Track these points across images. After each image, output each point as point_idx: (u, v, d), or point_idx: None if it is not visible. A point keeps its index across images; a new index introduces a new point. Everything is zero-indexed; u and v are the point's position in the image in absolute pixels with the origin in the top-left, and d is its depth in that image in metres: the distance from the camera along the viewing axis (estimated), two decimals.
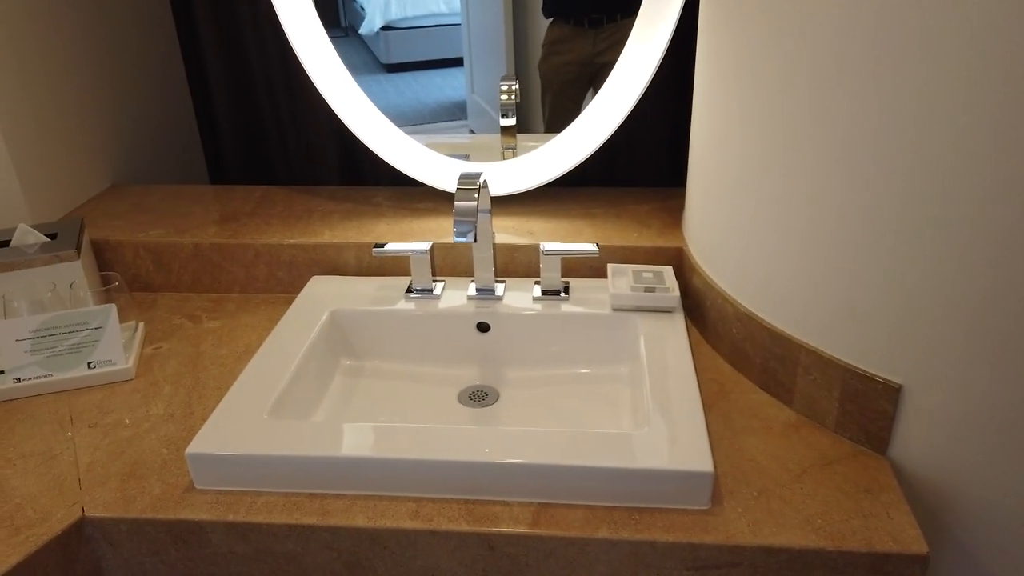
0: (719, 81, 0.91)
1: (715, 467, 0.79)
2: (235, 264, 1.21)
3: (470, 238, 0.92)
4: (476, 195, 0.92)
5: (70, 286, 1.07)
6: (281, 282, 1.21)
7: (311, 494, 0.81)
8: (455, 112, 1.35)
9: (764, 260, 0.89)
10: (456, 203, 0.92)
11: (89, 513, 0.80)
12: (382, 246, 1.08)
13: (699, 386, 0.89)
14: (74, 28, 1.31)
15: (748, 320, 0.93)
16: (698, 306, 1.06)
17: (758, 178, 0.86)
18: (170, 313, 1.18)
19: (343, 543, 0.78)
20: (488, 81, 1.29)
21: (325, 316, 1.05)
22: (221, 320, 1.16)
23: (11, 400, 0.99)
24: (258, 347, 1.06)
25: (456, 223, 0.91)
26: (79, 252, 1.08)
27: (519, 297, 1.08)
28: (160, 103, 1.54)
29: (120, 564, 0.83)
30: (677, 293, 1.03)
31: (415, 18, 1.35)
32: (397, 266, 1.17)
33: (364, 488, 0.81)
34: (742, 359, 0.96)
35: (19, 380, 0.99)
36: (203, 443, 0.82)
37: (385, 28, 1.36)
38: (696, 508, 0.77)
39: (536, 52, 1.24)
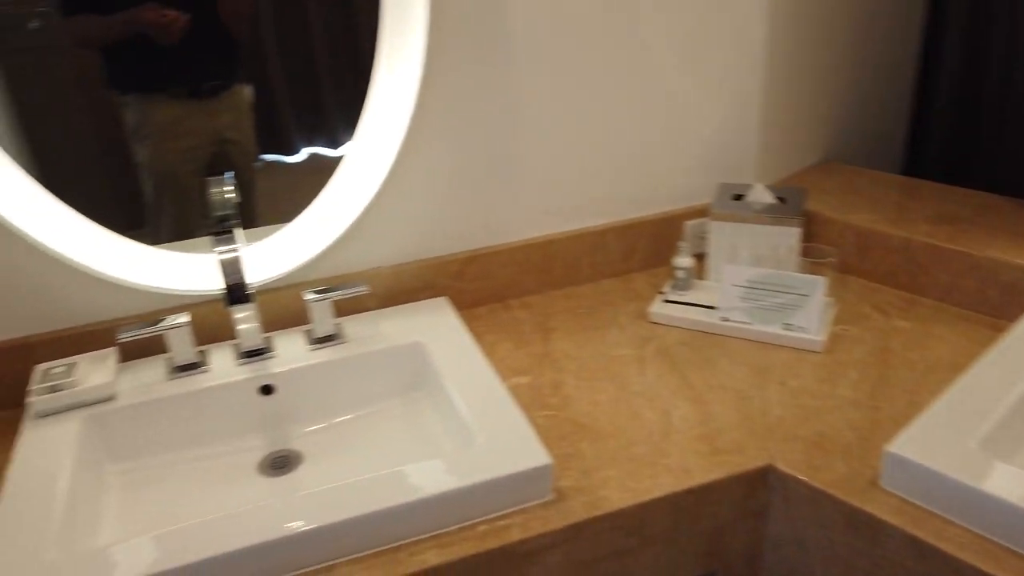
0: None
1: None
2: (941, 269, 1.13)
3: None
4: None
5: (787, 249, 1.14)
6: (988, 302, 1.10)
7: (1011, 550, 0.72)
8: None
9: None
10: None
11: (776, 464, 0.86)
12: None
13: None
14: (832, 7, 1.36)
15: None
16: None
17: None
18: (859, 299, 1.18)
19: None
20: None
21: None
22: (912, 322, 1.11)
23: (713, 334, 1.12)
24: (951, 363, 0.99)
25: None
26: (800, 220, 1.15)
27: None
28: (879, 89, 1.51)
29: (784, 519, 0.88)
30: None
31: None
32: None
33: None
34: None
35: (725, 320, 1.12)
36: (906, 447, 0.80)
37: None
38: None
39: None
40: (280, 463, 0.97)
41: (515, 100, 1.14)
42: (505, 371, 1.07)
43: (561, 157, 1.21)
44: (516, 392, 1.02)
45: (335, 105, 1.07)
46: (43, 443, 0.89)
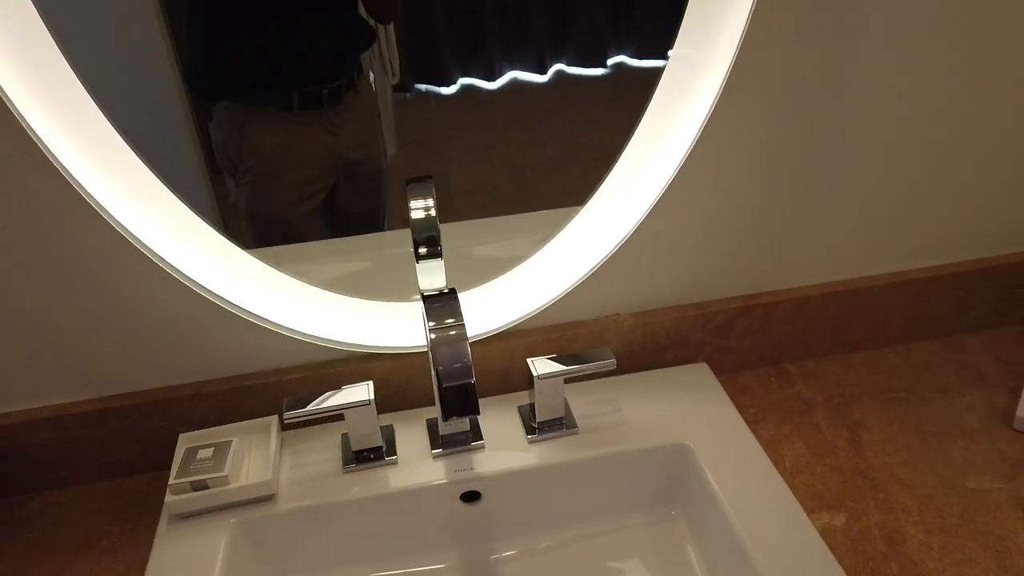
0: None
1: None
2: None
3: None
4: None
5: None
6: None
7: None
8: None
9: None
10: None
11: None
12: None
13: None
14: None
15: None
16: None
17: None
18: None
19: None
20: None
21: None
22: None
23: None
24: None
25: None
26: None
27: None
28: None
29: None
30: None
31: None
32: None
33: None
34: None
35: None
36: None
37: None
38: None
39: None
40: None
41: (843, 95, 0.76)
42: (803, 496, 0.73)
43: (893, 178, 0.82)
44: (829, 542, 0.69)
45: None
46: (181, 556, 0.66)
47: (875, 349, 0.92)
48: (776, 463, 0.77)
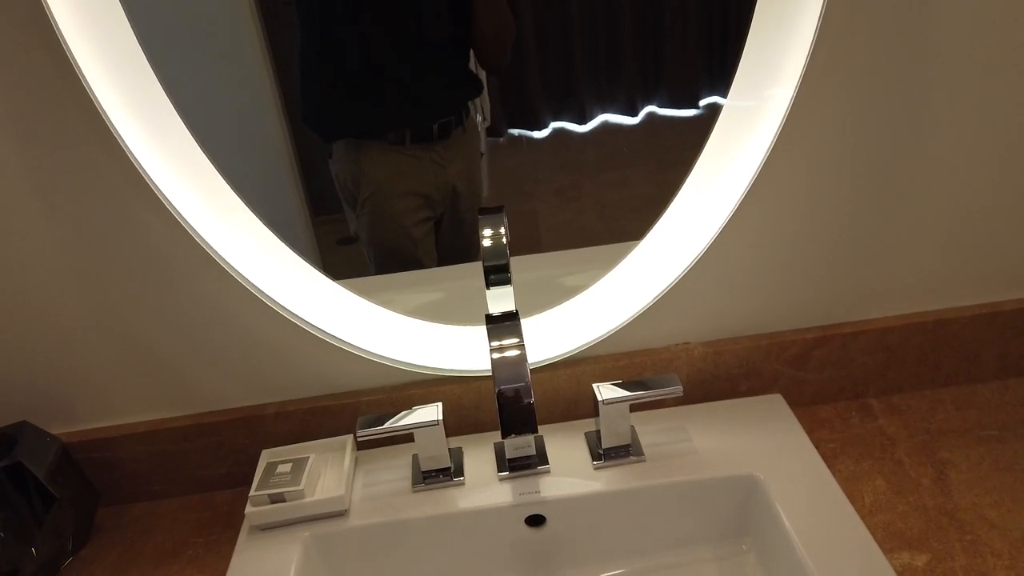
0: None
1: None
2: None
3: None
4: None
5: None
6: None
7: None
8: None
9: None
10: None
11: None
12: None
13: None
14: None
15: None
16: None
17: None
18: None
19: None
20: None
21: None
22: None
23: None
24: None
25: None
26: None
27: None
28: None
29: None
30: None
31: None
32: None
33: None
34: None
35: None
36: None
37: None
38: None
39: None
40: None
41: (931, 115, 0.74)
42: (883, 534, 0.70)
43: (980, 204, 0.79)
44: None
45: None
46: (257, 567, 0.69)
47: (967, 385, 0.88)
48: (854, 500, 0.74)
